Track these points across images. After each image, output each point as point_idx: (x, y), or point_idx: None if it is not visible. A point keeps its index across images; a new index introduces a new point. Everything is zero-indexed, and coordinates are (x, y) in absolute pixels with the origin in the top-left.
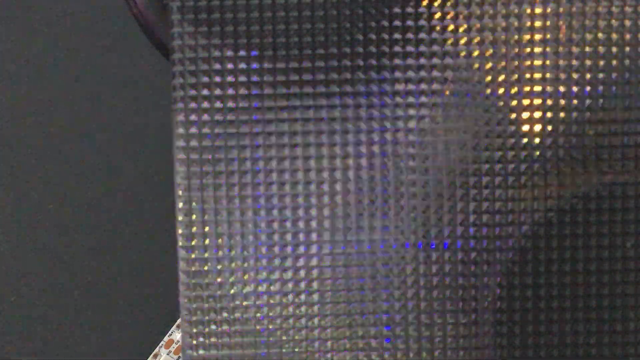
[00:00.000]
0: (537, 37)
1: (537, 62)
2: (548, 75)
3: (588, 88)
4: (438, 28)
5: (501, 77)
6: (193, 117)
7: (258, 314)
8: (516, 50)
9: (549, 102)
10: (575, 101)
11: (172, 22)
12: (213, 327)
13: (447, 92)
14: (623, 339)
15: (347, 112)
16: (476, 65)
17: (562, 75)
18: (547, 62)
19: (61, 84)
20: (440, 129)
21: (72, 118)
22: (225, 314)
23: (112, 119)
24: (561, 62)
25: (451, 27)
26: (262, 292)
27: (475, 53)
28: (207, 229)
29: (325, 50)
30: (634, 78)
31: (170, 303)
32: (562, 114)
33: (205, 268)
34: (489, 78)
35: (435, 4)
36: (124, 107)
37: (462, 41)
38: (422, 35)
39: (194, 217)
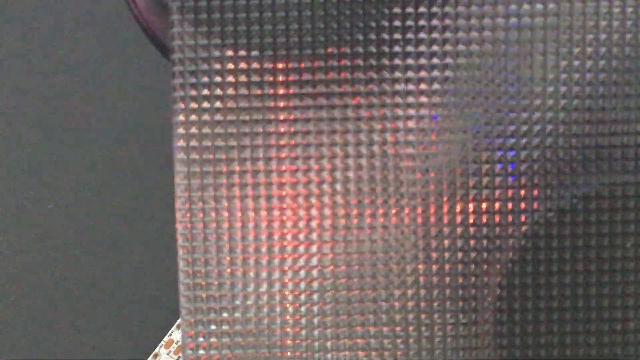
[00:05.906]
0: (537, 36)
1: (538, 62)
2: (548, 75)
3: (588, 88)
4: (438, 28)
5: (501, 77)
6: (193, 117)
7: (258, 314)
8: (516, 49)
9: (549, 102)
10: (575, 101)
11: (172, 22)
12: (213, 327)
13: (446, 93)
14: (623, 339)
15: (347, 112)
16: (476, 65)
17: (563, 75)
18: (548, 61)
19: (61, 84)
20: (440, 129)
21: (72, 118)
22: (225, 314)
23: (112, 119)
24: (562, 62)
25: (451, 27)
26: (262, 292)
27: (475, 53)
28: (207, 229)
29: (325, 50)
30: (634, 78)
31: (170, 303)
32: (562, 114)
33: (205, 268)
34: (489, 78)
35: (435, 3)
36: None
37: (462, 41)
38: (422, 35)
39: (194, 217)
